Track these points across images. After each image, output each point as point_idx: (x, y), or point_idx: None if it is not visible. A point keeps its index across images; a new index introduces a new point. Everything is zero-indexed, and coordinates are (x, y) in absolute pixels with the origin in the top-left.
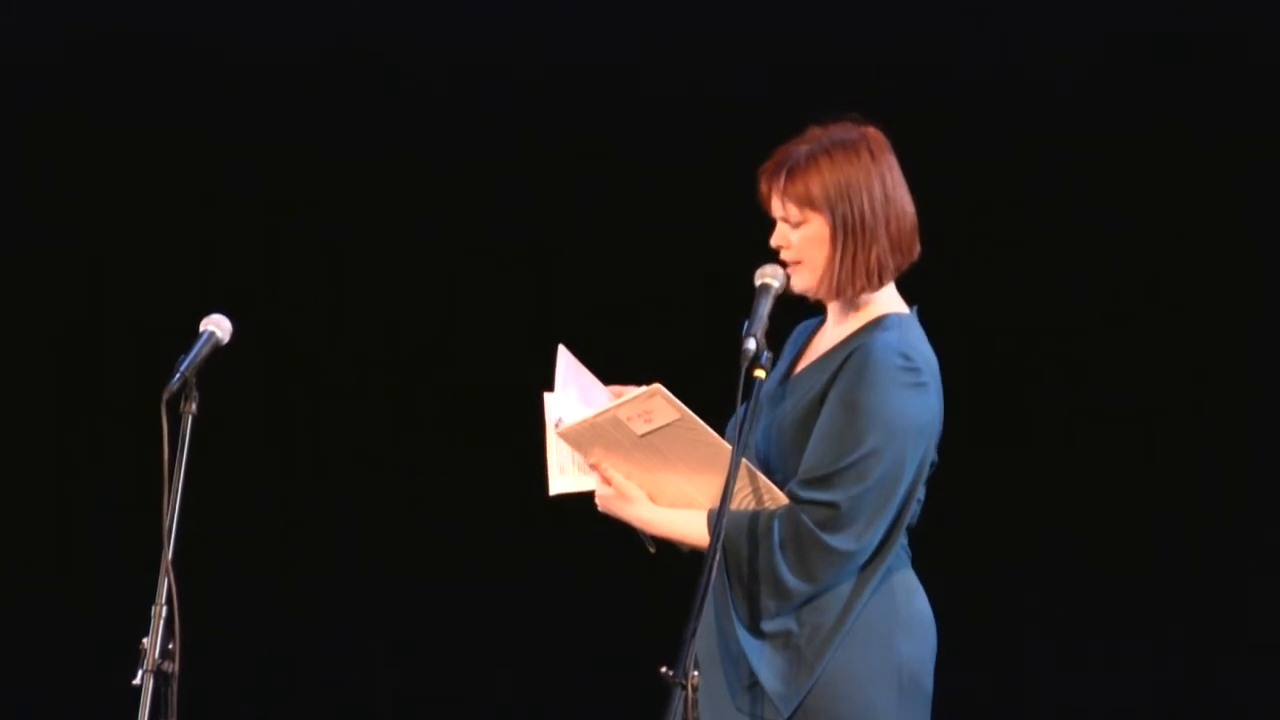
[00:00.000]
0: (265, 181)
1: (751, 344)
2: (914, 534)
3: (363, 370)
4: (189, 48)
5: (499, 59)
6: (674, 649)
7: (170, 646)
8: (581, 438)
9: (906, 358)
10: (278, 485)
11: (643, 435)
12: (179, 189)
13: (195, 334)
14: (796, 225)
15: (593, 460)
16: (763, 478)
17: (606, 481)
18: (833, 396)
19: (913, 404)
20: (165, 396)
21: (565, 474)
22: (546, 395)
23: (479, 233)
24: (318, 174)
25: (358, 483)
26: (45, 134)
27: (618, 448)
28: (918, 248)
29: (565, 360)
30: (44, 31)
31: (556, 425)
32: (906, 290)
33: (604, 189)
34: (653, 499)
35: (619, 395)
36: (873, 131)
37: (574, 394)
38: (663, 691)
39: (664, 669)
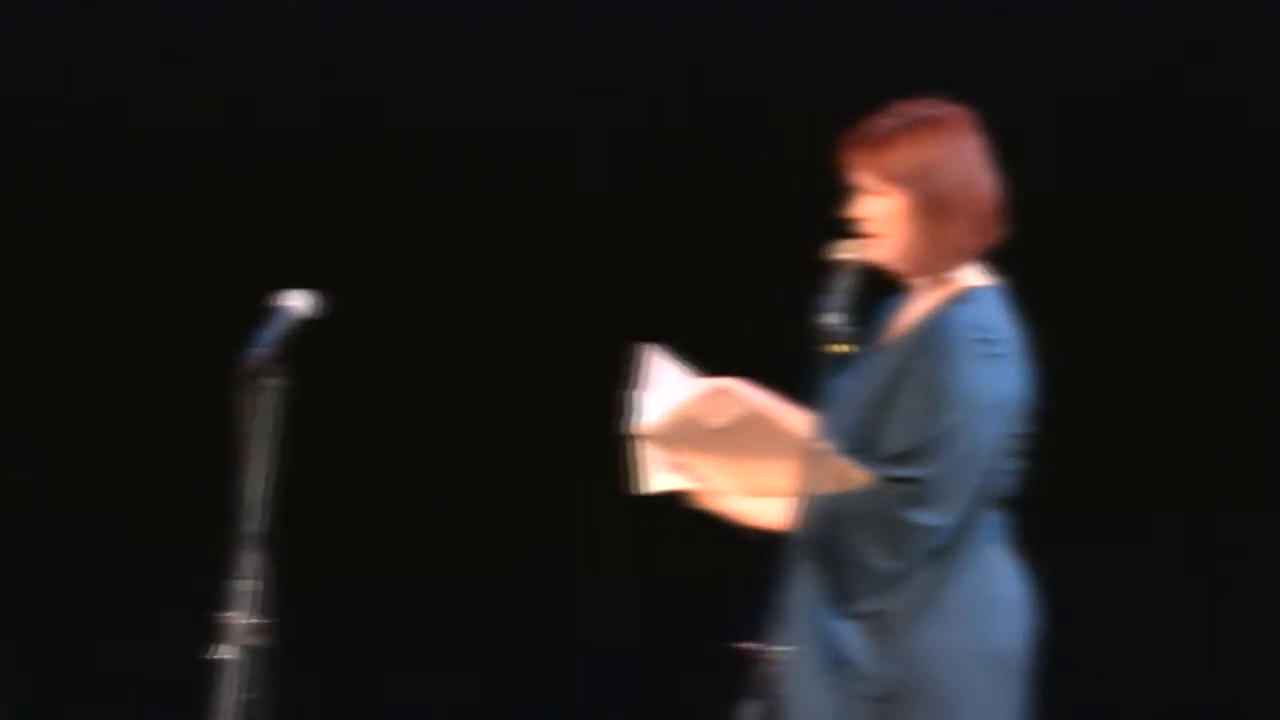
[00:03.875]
0: (266, 181)
1: (829, 320)
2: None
3: (365, 370)
4: (190, 47)
5: (499, 58)
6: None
7: (254, 622)
8: (663, 437)
9: (981, 329)
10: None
11: (719, 430)
12: (179, 189)
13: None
14: (875, 198)
15: (677, 458)
16: (844, 459)
17: (693, 478)
18: (911, 373)
19: (988, 377)
20: (247, 370)
21: (656, 474)
22: (633, 396)
23: (483, 232)
24: (318, 173)
25: (358, 481)
26: (44, 134)
27: (700, 443)
28: (998, 229)
29: (653, 361)
30: (44, 31)
31: (640, 427)
32: None
33: (604, 188)
34: (740, 489)
35: None
36: (959, 110)
37: (658, 394)
38: (742, 669)
39: (743, 645)
